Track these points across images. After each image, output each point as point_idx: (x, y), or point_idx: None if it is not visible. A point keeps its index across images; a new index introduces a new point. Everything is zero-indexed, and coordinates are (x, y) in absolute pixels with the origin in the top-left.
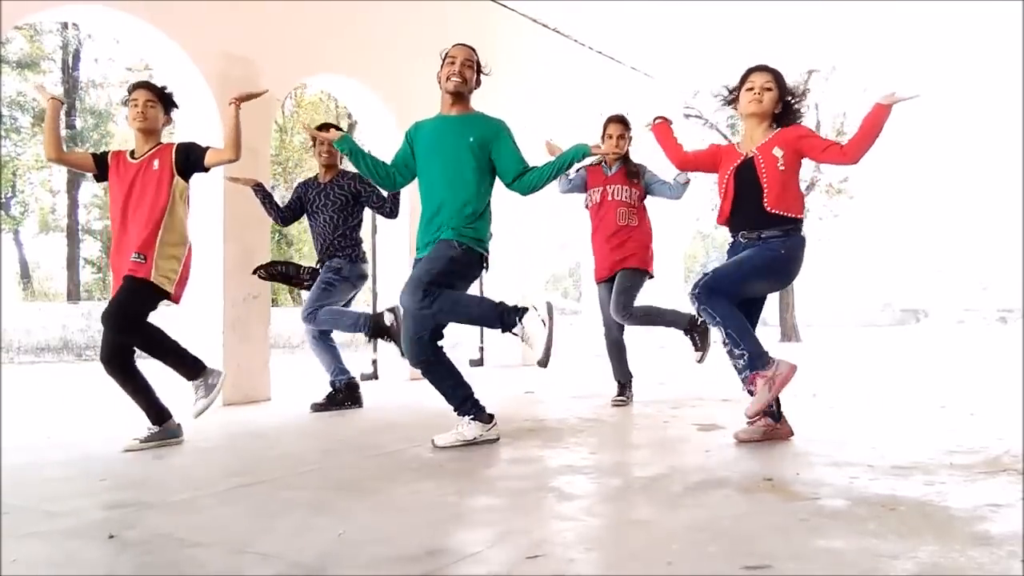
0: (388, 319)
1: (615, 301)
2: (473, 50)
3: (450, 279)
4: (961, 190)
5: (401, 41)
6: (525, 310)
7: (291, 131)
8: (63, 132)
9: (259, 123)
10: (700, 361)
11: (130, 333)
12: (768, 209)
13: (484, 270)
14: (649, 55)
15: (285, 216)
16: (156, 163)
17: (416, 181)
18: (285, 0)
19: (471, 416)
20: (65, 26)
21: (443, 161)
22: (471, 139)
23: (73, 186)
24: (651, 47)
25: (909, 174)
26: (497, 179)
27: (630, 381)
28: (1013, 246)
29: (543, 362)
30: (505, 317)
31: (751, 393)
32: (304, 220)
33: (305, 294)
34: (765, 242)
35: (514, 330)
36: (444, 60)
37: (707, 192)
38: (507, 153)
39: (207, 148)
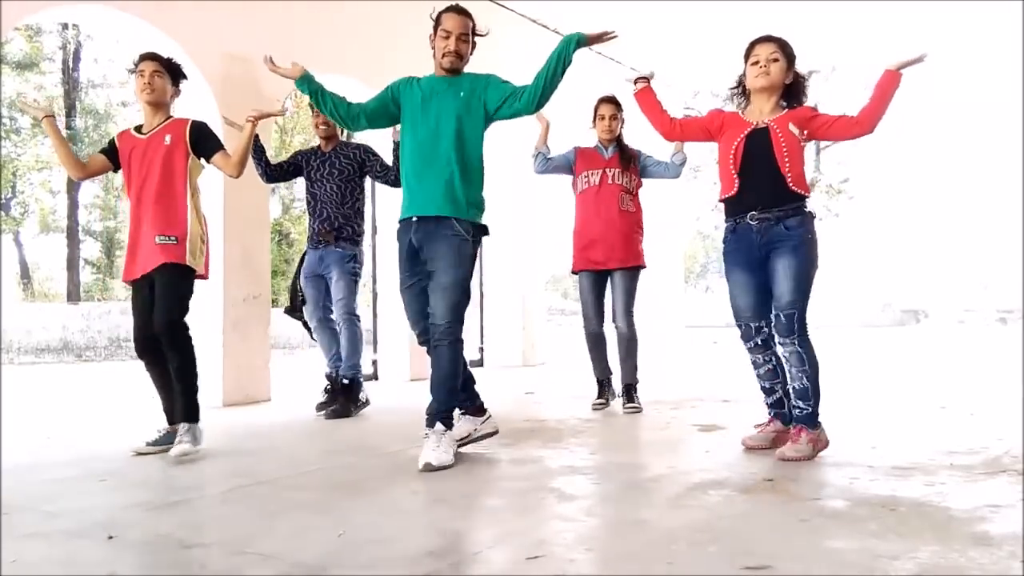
0: (362, 397)
1: (624, 305)
2: (468, 17)
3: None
4: (961, 190)
5: (401, 41)
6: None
7: (291, 131)
8: (63, 133)
9: (259, 123)
10: (630, 410)
11: (183, 341)
12: (790, 186)
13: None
14: (649, 55)
15: (272, 173)
16: (168, 138)
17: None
18: (285, 0)
19: (462, 411)
20: (65, 26)
21: (443, 119)
22: (462, 94)
23: (73, 187)
24: (651, 47)
25: (909, 174)
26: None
27: (609, 379)
28: (1013, 246)
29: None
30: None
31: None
32: (304, 222)
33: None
34: (788, 231)
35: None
36: (437, 29)
37: (707, 192)
38: (498, 87)
39: (220, 147)
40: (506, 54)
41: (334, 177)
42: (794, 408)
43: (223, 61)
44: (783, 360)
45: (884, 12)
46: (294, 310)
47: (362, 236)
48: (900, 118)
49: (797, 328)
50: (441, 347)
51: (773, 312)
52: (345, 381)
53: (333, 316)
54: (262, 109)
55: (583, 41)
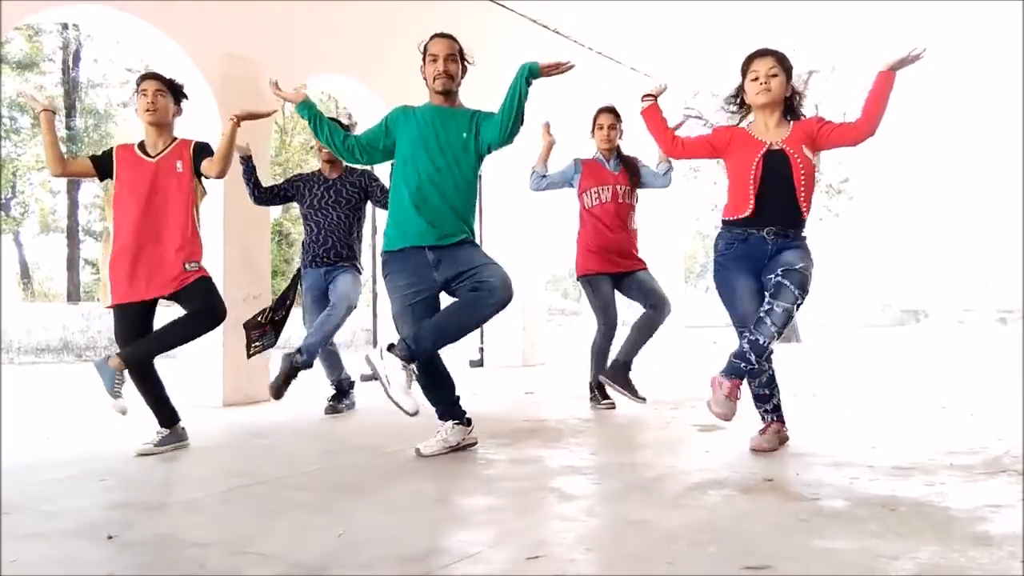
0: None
1: (663, 295)
2: (453, 40)
3: None
4: (961, 189)
5: (401, 41)
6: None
7: (291, 131)
8: (62, 133)
9: (259, 124)
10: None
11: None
12: (802, 212)
13: None
14: (649, 55)
15: (262, 196)
16: (179, 164)
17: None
18: (285, 0)
19: (455, 421)
20: (65, 26)
21: (445, 151)
22: (464, 135)
23: (73, 187)
24: (651, 47)
25: (909, 174)
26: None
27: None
28: (1013, 246)
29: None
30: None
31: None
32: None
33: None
34: (798, 240)
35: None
36: (425, 56)
37: (707, 192)
38: (492, 124)
39: (211, 155)
40: (506, 54)
41: (341, 206)
42: (735, 360)
43: (223, 61)
44: (765, 313)
45: (884, 12)
46: (253, 327)
47: (359, 258)
48: (900, 118)
49: (807, 287)
50: (487, 301)
51: (784, 269)
52: (298, 360)
53: (333, 340)
54: (246, 108)
55: (536, 71)
